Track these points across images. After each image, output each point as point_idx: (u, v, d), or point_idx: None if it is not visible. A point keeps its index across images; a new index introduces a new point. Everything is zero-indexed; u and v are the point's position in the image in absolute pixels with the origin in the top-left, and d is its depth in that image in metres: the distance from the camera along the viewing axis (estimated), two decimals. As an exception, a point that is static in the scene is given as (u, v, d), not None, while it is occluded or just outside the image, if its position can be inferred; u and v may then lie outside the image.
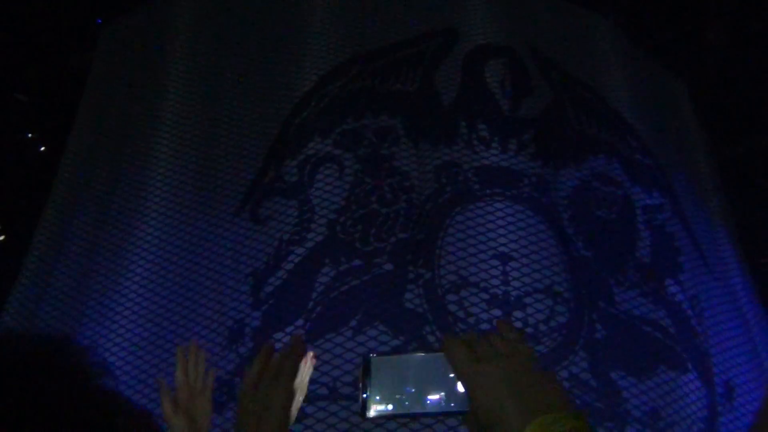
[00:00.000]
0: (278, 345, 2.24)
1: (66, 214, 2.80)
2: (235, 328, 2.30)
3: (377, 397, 0.83)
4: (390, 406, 0.83)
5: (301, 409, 2.10)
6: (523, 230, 2.31)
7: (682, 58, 3.31)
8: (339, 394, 2.10)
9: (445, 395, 0.82)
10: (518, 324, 2.16)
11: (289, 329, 2.27)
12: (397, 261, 2.33)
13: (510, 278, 2.24)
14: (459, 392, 0.82)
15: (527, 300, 2.20)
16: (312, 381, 2.12)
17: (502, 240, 2.28)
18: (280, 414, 0.90)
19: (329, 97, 2.72)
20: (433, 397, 0.83)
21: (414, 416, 0.84)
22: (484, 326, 2.16)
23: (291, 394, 0.90)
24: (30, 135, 3.40)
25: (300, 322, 2.28)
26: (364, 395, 0.84)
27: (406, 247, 2.35)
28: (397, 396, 0.84)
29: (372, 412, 0.83)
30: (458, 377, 0.80)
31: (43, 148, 3.37)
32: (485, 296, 2.21)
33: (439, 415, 0.86)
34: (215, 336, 2.28)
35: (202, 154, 2.76)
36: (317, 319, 2.25)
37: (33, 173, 3.22)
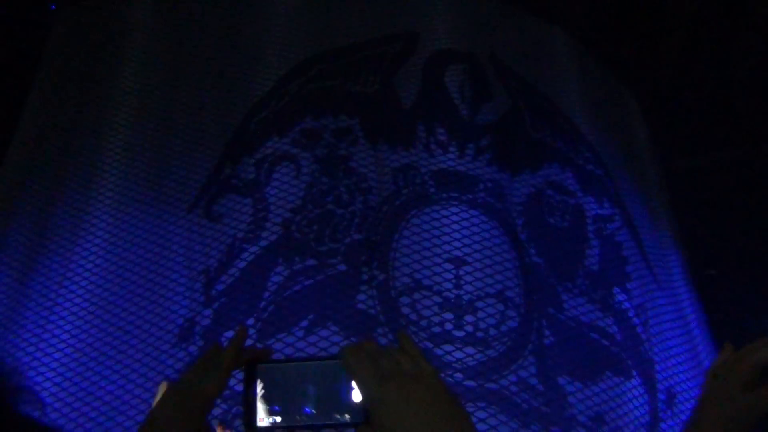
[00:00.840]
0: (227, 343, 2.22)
1: (8, 205, 2.72)
2: (185, 326, 2.27)
3: (265, 407, 0.78)
4: (279, 418, 0.78)
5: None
6: (478, 235, 2.33)
7: (635, 71, 3.40)
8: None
9: (340, 406, 0.77)
10: (469, 328, 2.18)
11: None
12: (351, 262, 2.32)
13: (462, 282, 2.25)
14: (354, 403, 0.77)
15: (479, 304, 2.22)
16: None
17: (457, 244, 2.30)
18: (205, 401, 0.85)
19: (289, 95, 2.71)
20: (327, 408, 0.78)
21: (305, 428, 0.77)
22: (436, 329, 2.18)
23: (219, 385, 0.85)
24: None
25: (251, 321, 2.26)
26: (248, 406, 0.77)
27: (361, 248, 2.35)
28: (287, 406, 0.78)
29: (260, 423, 0.77)
30: (362, 395, 0.75)
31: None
32: (438, 299, 2.23)
33: (333, 427, 0.80)
34: (165, 334, 2.24)
35: (155, 149, 2.71)
36: (269, 319, 2.24)
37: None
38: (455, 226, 2.33)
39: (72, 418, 2.12)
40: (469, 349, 2.15)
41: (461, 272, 2.26)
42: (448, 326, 2.18)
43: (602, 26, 3.33)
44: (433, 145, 2.53)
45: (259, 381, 0.79)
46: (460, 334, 2.18)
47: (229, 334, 2.23)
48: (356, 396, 0.77)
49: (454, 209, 2.37)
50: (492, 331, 2.19)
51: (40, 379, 2.20)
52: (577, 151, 2.76)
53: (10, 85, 3.12)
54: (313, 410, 0.78)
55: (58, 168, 2.75)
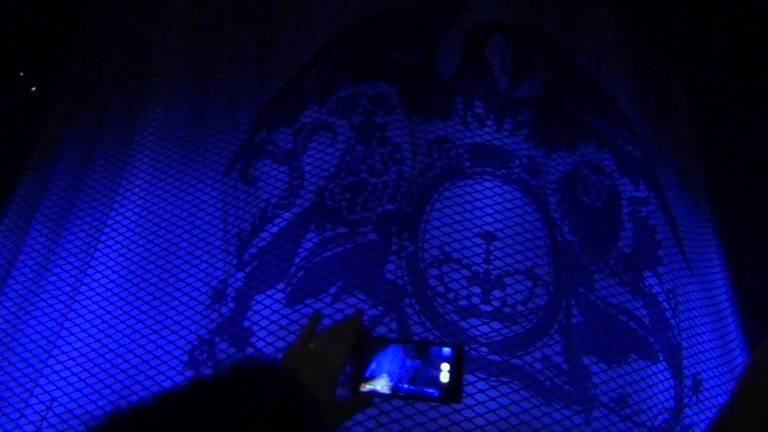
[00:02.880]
0: (258, 306, 2.26)
1: (49, 163, 2.78)
2: (219, 288, 2.31)
3: (368, 376, 0.92)
4: (379, 387, 0.91)
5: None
6: (510, 210, 2.32)
7: (683, 56, 3.30)
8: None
9: (431, 384, 0.90)
10: (497, 303, 2.18)
11: (270, 292, 2.28)
12: (382, 231, 2.33)
13: (492, 257, 2.25)
14: (443, 383, 0.90)
15: (508, 280, 2.22)
16: (289, 344, 2.16)
17: (488, 219, 2.29)
18: (335, 368, 0.93)
19: (329, 63, 2.70)
20: (420, 383, 0.91)
21: (401, 397, 0.95)
22: (463, 303, 2.18)
23: (345, 360, 0.93)
24: (21, 74, 3.35)
25: (281, 285, 2.29)
26: (355, 374, 0.92)
27: (392, 218, 2.35)
28: (387, 378, 0.91)
29: (362, 389, 0.92)
30: None
31: (33, 89, 3.33)
32: (467, 273, 2.23)
33: (424, 400, 0.95)
34: (199, 295, 2.29)
35: (193, 112, 2.74)
36: (298, 284, 2.27)
37: (22, 113, 3.18)
38: (488, 201, 2.32)
39: (107, 370, 2.19)
40: (496, 324, 2.16)
41: (491, 247, 2.26)
42: (476, 300, 2.19)
43: (653, 8, 3.24)
44: (470, 117, 2.51)
45: (365, 353, 0.93)
46: (487, 308, 2.18)
47: (261, 297, 2.27)
48: (444, 377, 0.91)
49: (488, 184, 2.36)
50: (519, 308, 2.19)
51: (75, 334, 2.27)
52: (617, 131, 2.71)
53: (55, 41, 3.17)
54: (408, 384, 0.92)
55: (95, 129, 2.80)
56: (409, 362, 0.93)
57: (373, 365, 0.93)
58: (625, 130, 2.77)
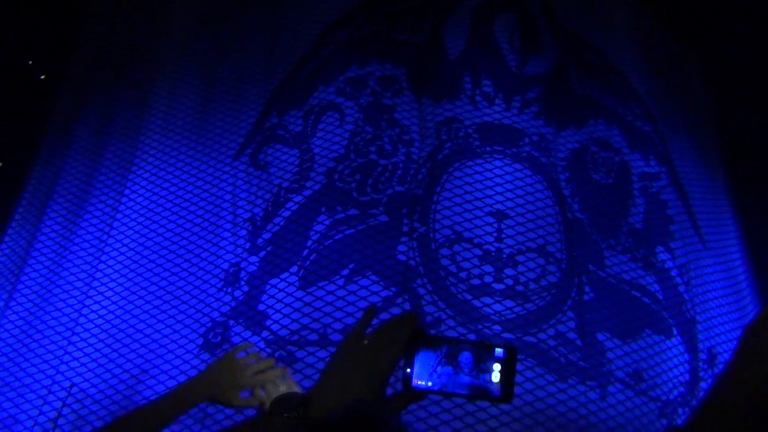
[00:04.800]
0: (272, 290, 2.28)
1: (60, 153, 2.79)
2: (231, 271, 2.33)
3: (420, 374, 0.94)
4: (431, 383, 0.94)
5: (292, 354, 2.16)
6: (521, 189, 2.32)
7: (698, 32, 3.26)
8: (329, 341, 2.14)
9: (483, 383, 0.93)
10: (509, 281, 2.19)
11: (284, 275, 2.30)
12: (393, 213, 2.34)
13: (504, 235, 2.25)
14: (495, 383, 0.92)
15: (520, 258, 2.22)
16: (303, 327, 2.18)
17: (499, 197, 2.29)
18: (386, 370, 0.95)
19: (336, 44, 2.69)
20: (470, 381, 0.94)
21: (451, 395, 0.95)
22: (475, 282, 2.19)
23: (397, 359, 0.95)
24: (30, 62, 3.35)
25: (294, 269, 2.31)
26: (408, 370, 0.94)
27: (403, 200, 2.36)
28: (439, 375, 0.94)
29: (414, 385, 0.94)
30: None
31: (42, 77, 3.33)
32: (478, 252, 2.23)
33: (475, 399, 0.99)
34: (210, 278, 2.31)
35: (201, 96, 2.74)
36: (311, 267, 2.28)
37: (31, 101, 3.19)
38: (498, 180, 2.32)
39: (125, 355, 2.21)
40: (509, 302, 2.16)
41: (503, 225, 2.26)
42: (488, 279, 2.19)
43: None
44: (479, 97, 2.49)
45: (417, 351, 0.95)
46: (499, 287, 2.18)
47: (275, 281, 2.29)
48: (496, 377, 0.93)
49: (498, 162, 2.35)
50: (532, 285, 2.19)
51: (93, 321, 2.30)
52: (626, 107, 2.69)
53: (62, 29, 3.17)
54: (459, 383, 0.94)
55: (104, 117, 2.81)
56: (461, 361, 0.95)
57: (426, 363, 0.95)
58: (636, 106, 2.75)
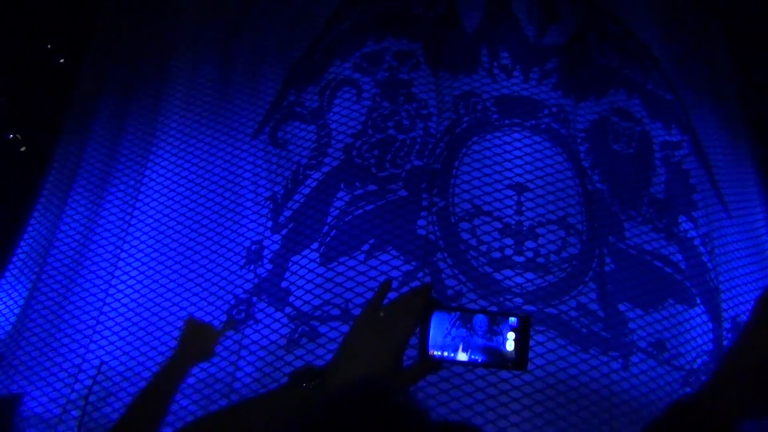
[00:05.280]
0: (294, 266, 2.30)
1: (81, 135, 2.82)
2: (254, 249, 2.35)
3: (435, 343, 0.96)
4: (445, 353, 0.95)
5: (315, 329, 2.18)
6: (540, 161, 2.30)
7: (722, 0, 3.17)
8: (351, 316, 2.16)
9: (496, 352, 0.94)
10: (530, 254, 2.19)
11: (305, 252, 2.32)
12: (412, 188, 2.34)
13: (524, 208, 2.25)
14: (508, 351, 0.94)
15: (540, 230, 2.22)
16: (325, 302, 2.21)
17: (518, 170, 2.28)
18: (402, 340, 0.97)
19: (352, 20, 2.68)
20: (485, 351, 0.95)
21: (467, 364, 0.96)
22: (496, 255, 2.19)
23: (413, 330, 0.97)
24: (49, 46, 3.38)
25: (315, 245, 2.33)
26: (423, 340, 0.96)
27: (422, 175, 2.35)
28: (453, 345, 0.96)
29: (430, 355, 0.96)
30: None
31: (62, 60, 3.36)
32: (498, 225, 2.23)
33: (489, 367, 1.01)
34: (232, 256, 2.34)
35: (219, 76, 2.75)
36: (331, 243, 2.29)
37: (52, 85, 3.23)
38: (517, 152, 2.31)
39: (152, 333, 2.26)
40: (529, 275, 2.17)
41: (523, 198, 2.25)
42: (509, 251, 2.19)
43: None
44: (497, 69, 2.47)
45: (431, 323, 0.96)
46: (520, 259, 2.19)
47: (296, 258, 2.31)
48: (510, 345, 0.94)
49: (517, 135, 2.34)
50: (553, 257, 2.19)
51: (119, 300, 2.34)
52: (647, 76, 2.65)
53: (79, 12, 3.18)
54: (474, 351, 0.96)
55: (123, 99, 2.83)
56: (475, 324, 0.96)
57: (440, 333, 0.96)
58: (657, 74, 2.71)
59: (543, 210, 2.23)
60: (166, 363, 1.52)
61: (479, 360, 0.95)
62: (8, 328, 2.41)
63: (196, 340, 1.61)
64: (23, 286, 2.52)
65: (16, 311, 2.45)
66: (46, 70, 3.06)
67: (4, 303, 2.48)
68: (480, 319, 0.96)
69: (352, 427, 0.63)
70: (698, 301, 2.29)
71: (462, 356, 0.95)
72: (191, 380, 2.14)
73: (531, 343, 1.98)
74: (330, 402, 0.73)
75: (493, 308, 2.09)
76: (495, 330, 0.95)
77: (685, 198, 2.49)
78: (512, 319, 0.95)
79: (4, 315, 2.46)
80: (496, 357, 0.94)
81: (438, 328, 0.96)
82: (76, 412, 2.14)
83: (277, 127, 2.61)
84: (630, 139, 2.48)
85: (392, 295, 1.02)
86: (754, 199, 2.76)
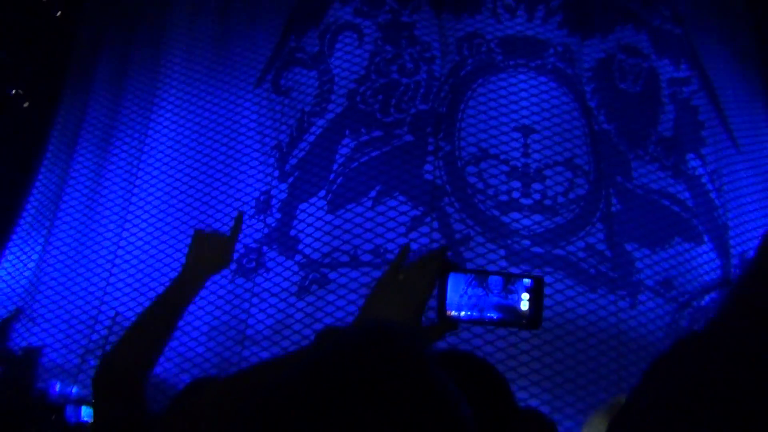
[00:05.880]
0: (302, 215, 2.31)
1: (83, 90, 2.80)
2: (262, 198, 2.36)
3: (453, 304, 0.97)
4: (462, 313, 0.97)
5: (325, 275, 2.21)
6: (547, 102, 2.28)
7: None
8: (359, 262, 2.18)
9: (512, 311, 0.96)
10: (537, 196, 2.19)
11: (312, 200, 2.33)
12: (418, 132, 2.33)
13: (531, 150, 2.24)
14: (523, 311, 0.96)
15: (547, 172, 2.21)
16: (334, 249, 2.22)
17: (525, 112, 2.26)
18: (422, 300, 1.00)
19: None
20: (502, 310, 0.97)
21: (483, 323, 0.98)
22: (503, 197, 2.19)
23: (431, 290, 1.00)
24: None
25: (323, 193, 2.33)
26: (441, 299, 0.98)
27: (427, 119, 2.34)
28: (471, 305, 0.98)
29: (447, 315, 0.97)
30: None
31: (58, 13, 3.31)
32: (505, 168, 2.23)
33: (505, 326, 1.01)
34: (242, 206, 2.35)
35: (219, 24, 2.71)
36: (338, 191, 2.30)
37: (50, 40, 3.18)
38: (523, 94, 2.28)
39: (164, 283, 2.29)
40: (537, 217, 2.17)
41: (529, 140, 2.24)
42: (516, 194, 2.20)
43: None
44: (501, 9, 2.42)
45: (449, 283, 0.98)
46: (527, 201, 2.19)
47: (304, 206, 2.32)
48: (525, 305, 0.96)
49: (522, 76, 2.31)
50: (560, 199, 2.19)
51: (131, 252, 2.37)
52: (653, 10, 2.59)
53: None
54: (489, 311, 0.98)
55: (124, 51, 2.80)
56: (490, 283, 0.99)
57: (457, 294, 0.98)
58: (665, 9, 2.65)
59: (550, 152, 2.22)
60: (177, 277, 1.48)
61: (495, 318, 0.98)
62: (24, 282, 2.45)
63: (208, 250, 1.56)
64: (35, 241, 2.55)
65: (31, 266, 2.48)
66: (44, 24, 3.01)
67: (19, 258, 2.51)
68: (495, 279, 0.99)
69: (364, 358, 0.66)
70: (706, 239, 2.29)
71: (479, 315, 0.98)
72: (205, 328, 2.18)
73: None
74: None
75: (503, 251, 2.11)
76: (510, 289, 0.98)
77: (693, 135, 2.46)
78: (526, 281, 0.98)
79: (19, 270, 2.49)
80: (511, 315, 0.97)
81: (454, 289, 0.99)
82: (94, 361, 2.20)
83: (279, 74, 2.58)
84: (637, 77, 2.44)
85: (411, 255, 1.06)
86: (764, 134, 2.73)
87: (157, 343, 1.32)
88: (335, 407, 0.60)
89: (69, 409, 2.02)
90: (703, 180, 2.40)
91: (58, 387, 2.05)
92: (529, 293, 0.97)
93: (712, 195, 2.40)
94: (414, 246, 2.16)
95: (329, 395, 0.61)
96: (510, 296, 0.97)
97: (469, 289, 0.99)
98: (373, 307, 1.00)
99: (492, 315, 0.98)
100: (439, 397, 0.63)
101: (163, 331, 1.33)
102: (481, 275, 0.99)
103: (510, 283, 0.99)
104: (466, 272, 1.00)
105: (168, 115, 2.61)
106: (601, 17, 2.48)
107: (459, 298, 0.99)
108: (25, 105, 2.84)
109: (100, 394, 1.27)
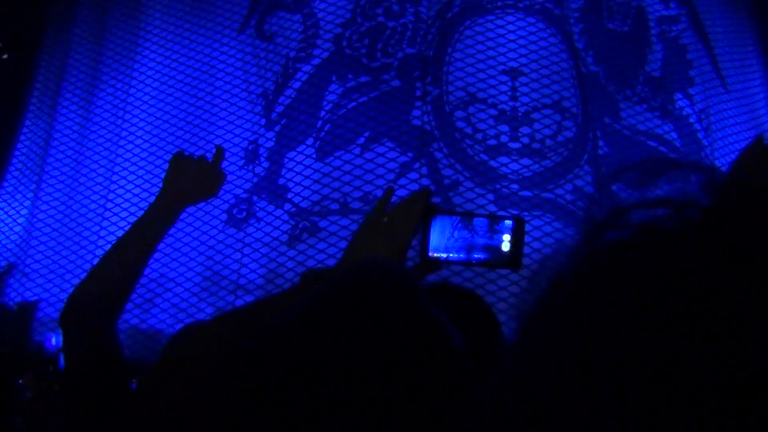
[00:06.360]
0: (290, 163, 2.31)
1: (64, 36, 2.75)
2: (250, 148, 2.35)
3: (434, 245, 1.00)
4: (444, 254, 1.00)
5: (315, 223, 2.22)
6: (535, 44, 2.25)
7: None
8: (350, 209, 2.19)
9: (494, 252, 1.00)
10: (525, 139, 2.18)
11: (300, 148, 2.32)
12: (405, 77, 2.31)
13: (519, 93, 2.22)
14: (505, 252, 0.99)
15: (535, 115, 2.21)
16: (323, 197, 2.23)
17: (512, 54, 2.24)
18: (405, 241, 1.02)
19: None
20: (483, 251, 1.00)
21: (464, 263, 1.04)
22: (492, 142, 2.19)
23: (414, 232, 1.03)
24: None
25: (310, 140, 2.32)
26: (423, 241, 1.01)
27: (414, 63, 2.31)
28: (452, 245, 1.01)
29: (431, 255, 1.01)
30: None
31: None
32: (493, 112, 2.22)
33: (486, 266, 1.08)
34: (231, 156, 2.33)
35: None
36: (326, 138, 2.29)
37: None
38: (511, 36, 2.25)
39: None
40: (526, 160, 2.18)
41: (517, 83, 2.22)
42: (504, 138, 2.19)
43: None
44: (488, -53, 2.37)
45: (432, 225, 1.01)
46: (516, 145, 2.19)
47: (292, 154, 2.31)
48: (506, 246, 0.99)
49: (510, 18, 2.27)
50: (548, 142, 2.19)
51: (120, 204, 2.37)
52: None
53: None
54: (471, 251, 1.01)
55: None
56: (473, 232, 1.01)
57: (443, 236, 1.01)
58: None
59: (538, 94, 2.20)
60: (151, 205, 1.34)
61: (479, 258, 0.99)
62: (15, 237, 2.46)
63: (189, 177, 1.38)
64: (24, 195, 2.54)
65: (21, 220, 2.48)
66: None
67: (8, 213, 2.51)
68: (481, 220, 1.00)
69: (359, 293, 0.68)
70: (693, 179, 2.30)
71: (461, 256, 1.00)
72: (197, 278, 2.20)
73: (528, 227, 2.02)
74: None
75: (491, 196, 2.12)
76: (495, 229, 0.99)
77: (681, 74, 2.45)
78: (507, 222, 1.00)
79: (9, 225, 2.50)
80: (494, 255, 0.99)
81: (442, 231, 1.01)
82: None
83: (262, 19, 2.53)
84: (625, 16, 2.41)
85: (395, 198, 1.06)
86: (753, 72, 2.71)
87: (127, 277, 1.24)
88: (334, 342, 0.62)
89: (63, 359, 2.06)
90: (691, 120, 2.40)
91: (54, 340, 2.08)
92: (510, 234, 1.00)
93: (700, 135, 2.40)
94: (403, 192, 2.17)
95: (328, 330, 0.63)
96: (496, 236, 1.00)
97: (456, 232, 1.01)
98: (356, 249, 1.03)
99: (477, 256, 1.00)
100: (433, 327, 0.65)
101: (133, 263, 1.24)
102: (466, 217, 1.01)
103: (495, 224, 1.01)
104: (451, 214, 1.03)
105: (152, 64, 2.57)
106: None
107: (446, 240, 1.01)
108: (4, 57, 2.80)
109: (67, 335, 1.19)
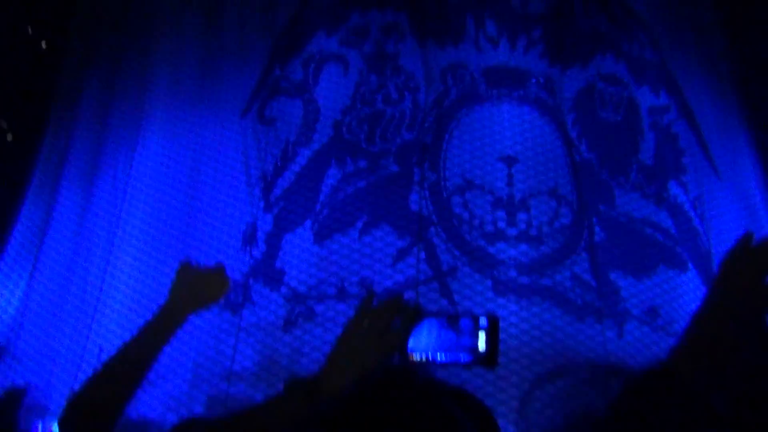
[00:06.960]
0: (288, 246, 2.30)
1: (68, 120, 2.80)
2: (248, 231, 2.36)
3: (414, 348, 1.04)
4: (422, 356, 1.04)
5: (311, 308, 2.20)
6: (529, 132, 2.30)
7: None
8: (347, 294, 2.18)
9: (469, 350, 1.02)
10: (522, 225, 2.20)
11: (298, 231, 2.32)
12: (403, 162, 2.34)
13: (515, 180, 2.25)
14: (479, 350, 1.01)
15: (531, 201, 2.23)
16: (320, 281, 2.22)
17: (508, 142, 2.28)
18: (392, 345, 1.04)
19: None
20: (459, 350, 1.03)
21: (441, 364, 1.06)
22: (489, 227, 2.20)
23: (402, 340, 1.05)
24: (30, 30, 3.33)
25: (308, 223, 2.33)
26: (404, 345, 1.05)
27: (412, 148, 2.35)
28: (429, 348, 1.04)
29: (412, 358, 1.04)
30: None
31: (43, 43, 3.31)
32: (490, 198, 2.24)
33: (464, 365, 1.07)
34: (229, 239, 2.34)
35: (204, 54, 2.72)
36: (324, 222, 2.30)
37: (36, 72, 3.19)
38: (506, 124, 2.30)
39: (142, 313, 2.27)
40: (523, 246, 2.18)
41: (513, 170, 2.25)
42: (501, 224, 2.21)
43: None
44: (483, 39, 2.45)
45: (424, 325, 1.06)
46: (513, 231, 2.20)
47: (290, 236, 2.31)
48: (482, 345, 1.02)
49: (506, 106, 2.33)
50: (545, 228, 2.20)
51: (116, 287, 2.35)
52: (631, 38, 2.62)
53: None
54: (446, 352, 1.04)
55: (109, 82, 2.81)
56: (462, 325, 1.04)
57: (430, 337, 1.04)
58: (643, 35, 2.68)
59: (534, 181, 2.23)
60: (157, 313, 1.44)
61: (457, 358, 1.03)
62: (8, 319, 2.43)
63: (195, 284, 1.51)
64: (20, 276, 2.53)
65: (15, 303, 2.46)
66: (29, 54, 3.02)
67: (2, 294, 2.49)
68: (466, 321, 1.02)
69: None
70: (690, 266, 2.31)
71: (442, 357, 1.02)
72: (190, 365, 2.16)
73: (526, 314, 2.01)
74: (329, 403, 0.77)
75: (489, 282, 2.11)
76: (466, 332, 1.02)
77: (674, 162, 2.49)
78: (482, 320, 1.02)
79: (2, 306, 2.47)
80: (469, 356, 1.01)
81: (428, 332, 1.02)
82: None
83: (264, 104, 2.59)
84: (617, 106, 2.47)
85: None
86: (744, 160, 2.76)
87: (129, 383, 1.26)
88: None
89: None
90: (686, 207, 2.42)
91: (40, 427, 2.02)
92: (485, 332, 1.01)
93: (695, 222, 2.42)
94: (401, 277, 2.17)
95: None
96: (467, 337, 1.01)
97: (443, 332, 1.03)
98: (341, 355, 1.02)
99: (455, 355, 1.01)
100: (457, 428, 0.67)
101: (137, 370, 1.27)
102: (437, 320, 1.03)
103: (464, 326, 1.03)
104: (437, 316, 1.05)
105: (154, 146, 2.61)
106: (581, 47, 2.51)
107: (426, 342, 1.03)
108: (9, 138, 2.84)
109: None
